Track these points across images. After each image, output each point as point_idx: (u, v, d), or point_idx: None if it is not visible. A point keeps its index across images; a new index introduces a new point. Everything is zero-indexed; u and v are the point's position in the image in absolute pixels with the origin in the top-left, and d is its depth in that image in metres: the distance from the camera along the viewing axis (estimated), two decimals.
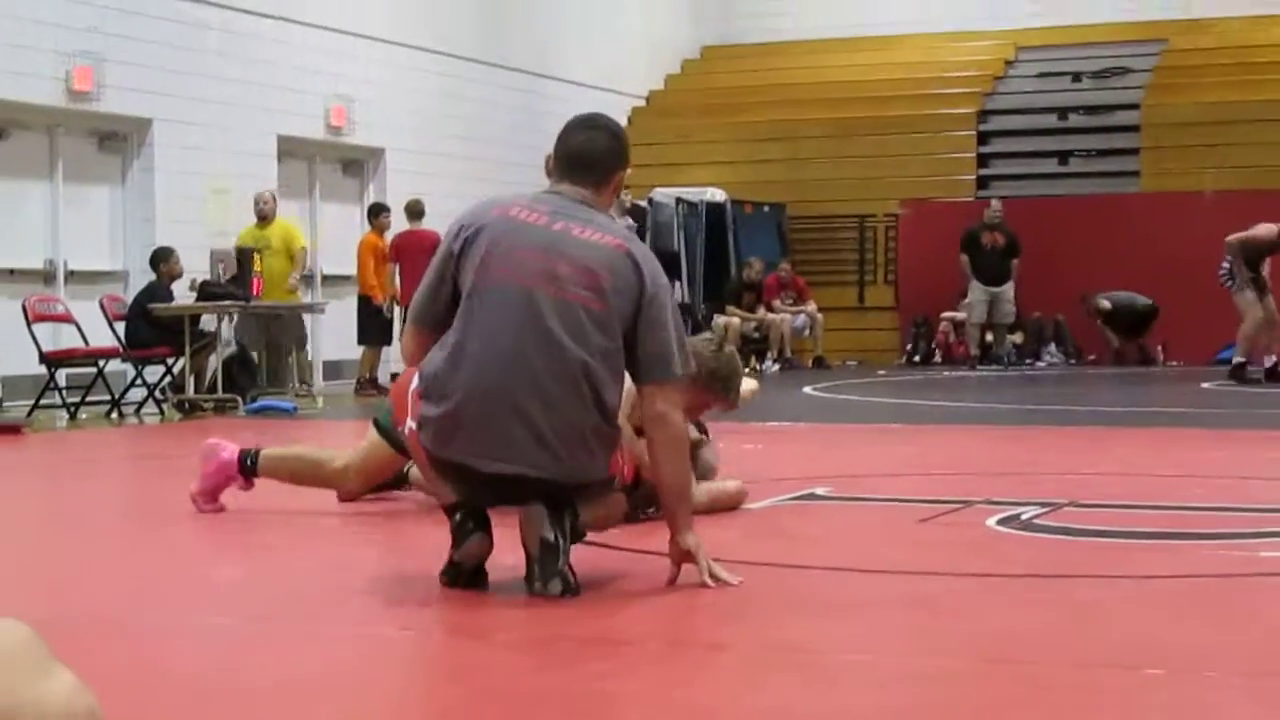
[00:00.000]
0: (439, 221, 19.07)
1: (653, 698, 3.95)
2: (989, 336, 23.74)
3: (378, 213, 19.65)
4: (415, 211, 19.41)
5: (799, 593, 5.48)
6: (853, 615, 5.02)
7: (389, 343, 19.54)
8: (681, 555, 5.36)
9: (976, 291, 23.07)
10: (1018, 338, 23.86)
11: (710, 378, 6.78)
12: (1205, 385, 18.05)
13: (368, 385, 19.26)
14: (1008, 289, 23.02)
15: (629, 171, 5.61)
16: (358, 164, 22.06)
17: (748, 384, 7.29)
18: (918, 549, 6.40)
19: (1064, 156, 26.59)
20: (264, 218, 18.00)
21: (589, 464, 5.21)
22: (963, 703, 3.91)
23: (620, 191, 5.63)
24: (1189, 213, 23.35)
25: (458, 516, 5.30)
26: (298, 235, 18.37)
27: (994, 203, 23.52)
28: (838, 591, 5.51)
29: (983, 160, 26.93)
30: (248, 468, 7.36)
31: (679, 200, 23.90)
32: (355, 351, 19.73)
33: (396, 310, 18.93)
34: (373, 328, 19.50)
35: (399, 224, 19.52)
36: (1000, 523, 6.88)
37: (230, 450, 7.40)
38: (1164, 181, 24.88)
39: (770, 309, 24.20)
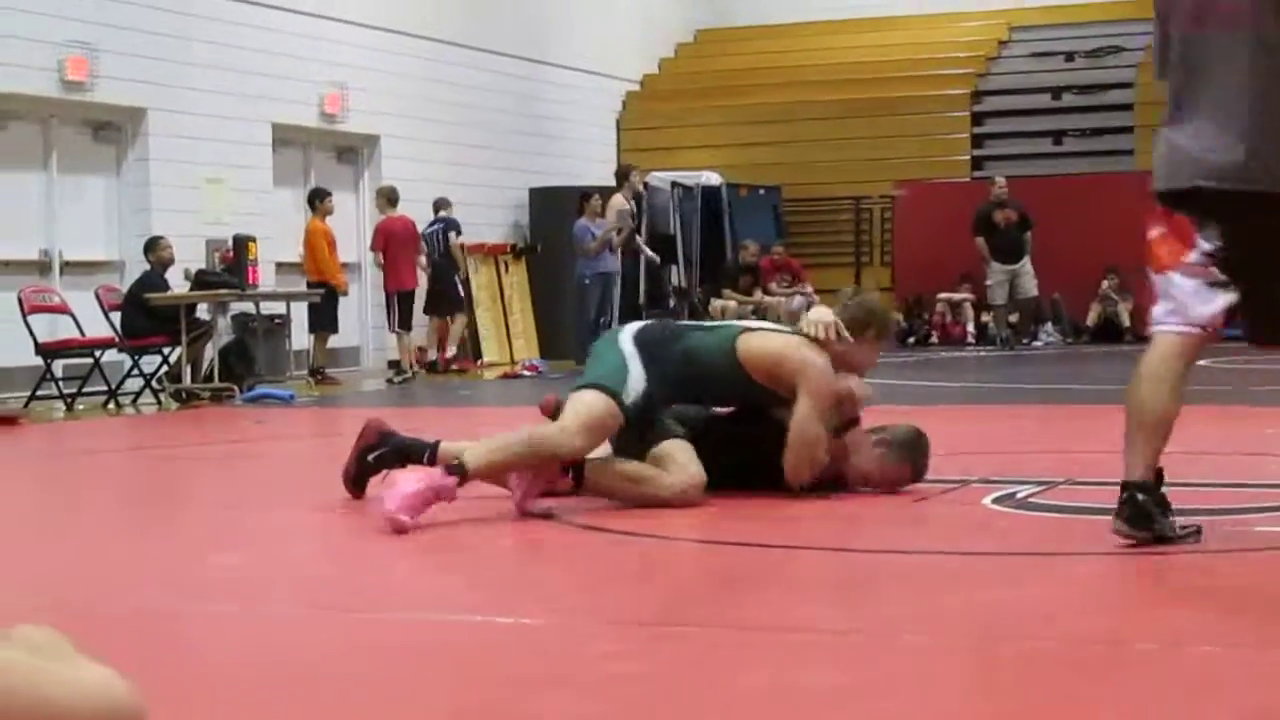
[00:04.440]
0: (428, 210, 19.30)
1: (650, 680, 3.95)
2: (1012, 318, 23.64)
3: (322, 197, 19.19)
4: (391, 199, 19.27)
5: (795, 572, 5.49)
6: (847, 594, 5.03)
7: (335, 330, 19.17)
8: None
9: (996, 273, 22.94)
10: (1014, 318, 23.81)
11: (884, 327, 7.35)
12: (1202, 362, 18.01)
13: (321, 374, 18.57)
14: (1026, 263, 22.93)
15: None
16: (353, 151, 22.04)
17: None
18: (914, 528, 6.41)
19: (1058, 136, 26.60)
20: None
21: None
22: (955, 677, 3.92)
23: None
24: None
25: None
26: None
27: (999, 179, 23.39)
28: (833, 571, 5.52)
29: (977, 141, 26.96)
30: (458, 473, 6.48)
31: (674, 184, 23.88)
32: (356, 338, 19.66)
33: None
34: (326, 314, 18.72)
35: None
36: (996, 501, 6.88)
37: (434, 472, 6.51)
38: None
39: (767, 291, 24.23)
